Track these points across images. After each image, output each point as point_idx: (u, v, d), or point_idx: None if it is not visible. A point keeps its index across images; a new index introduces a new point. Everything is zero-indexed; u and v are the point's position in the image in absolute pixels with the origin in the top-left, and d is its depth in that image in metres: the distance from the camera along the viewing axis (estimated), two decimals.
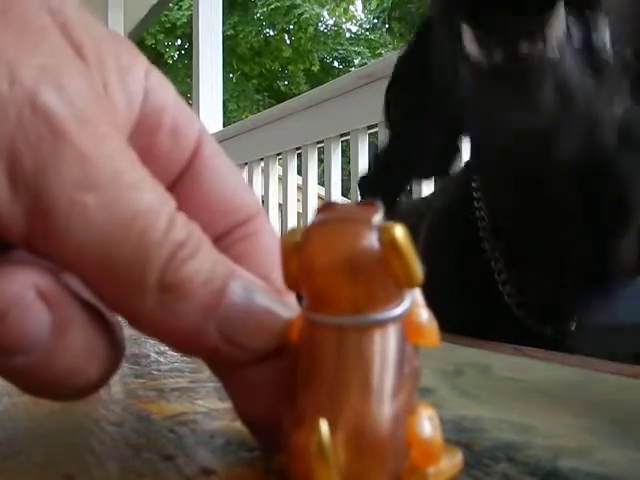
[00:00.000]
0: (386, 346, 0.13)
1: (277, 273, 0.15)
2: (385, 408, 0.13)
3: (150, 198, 0.13)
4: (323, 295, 0.14)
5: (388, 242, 0.13)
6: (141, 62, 0.16)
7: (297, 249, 0.14)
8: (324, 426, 0.13)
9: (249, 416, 0.16)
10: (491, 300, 0.53)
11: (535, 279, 0.51)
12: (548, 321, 0.51)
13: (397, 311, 0.14)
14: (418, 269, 0.13)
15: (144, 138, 0.16)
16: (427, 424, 0.14)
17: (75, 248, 0.13)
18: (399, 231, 0.13)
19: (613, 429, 0.20)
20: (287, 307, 0.15)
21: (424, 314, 0.14)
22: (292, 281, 0.14)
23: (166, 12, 10.06)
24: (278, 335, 0.15)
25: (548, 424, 0.20)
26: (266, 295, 0.15)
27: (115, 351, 0.15)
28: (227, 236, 0.18)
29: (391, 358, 0.13)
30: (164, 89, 0.17)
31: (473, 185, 0.56)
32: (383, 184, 0.64)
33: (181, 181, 0.18)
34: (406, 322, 0.14)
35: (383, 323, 0.14)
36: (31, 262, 0.13)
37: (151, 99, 0.16)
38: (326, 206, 0.14)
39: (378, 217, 0.14)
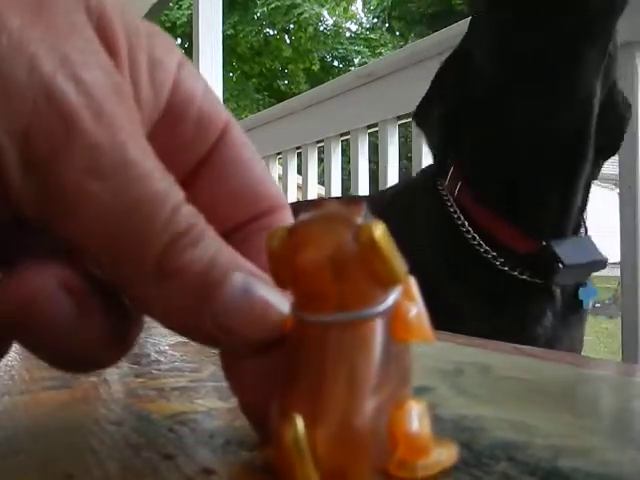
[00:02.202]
0: (369, 342, 0.14)
1: None
2: (366, 403, 0.13)
3: (156, 188, 0.14)
4: (307, 293, 0.14)
5: (366, 242, 0.13)
6: (174, 55, 0.17)
7: (282, 247, 0.14)
8: (299, 420, 0.13)
9: (248, 407, 0.17)
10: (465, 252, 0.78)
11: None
12: (531, 271, 0.76)
13: (380, 308, 0.14)
14: (399, 266, 0.13)
15: (168, 127, 0.17)
16: (414, 419, 0.14)
17: (80, 231, 0.14)
18: (378, 230, 0.13)
19: (614, 429, 0.20)
20: (288, 301, 0.15)
21: (413, 310, 0.14)
22: (279, 279, 0.15)
23: (166, 11, 10.06)
24: (274, 327, 0.15)
25: (548, 423, 0.20)
26: (266, 288, 0.15)
27: (131, 330, 0.16)
28: (246, 226, 0.18)
29: (374, 354, 0.14)
30: (194, 81, 0.18)
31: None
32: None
33: (203, 169, 0.18)
34: (393, 318, 0.14)
35: (366, 319, 0.14)
36: (57, 257, 0.15)
37: (180, 91, 0.17)
38: (313, 204, 0.14)
39: (361, 216, 0.14)
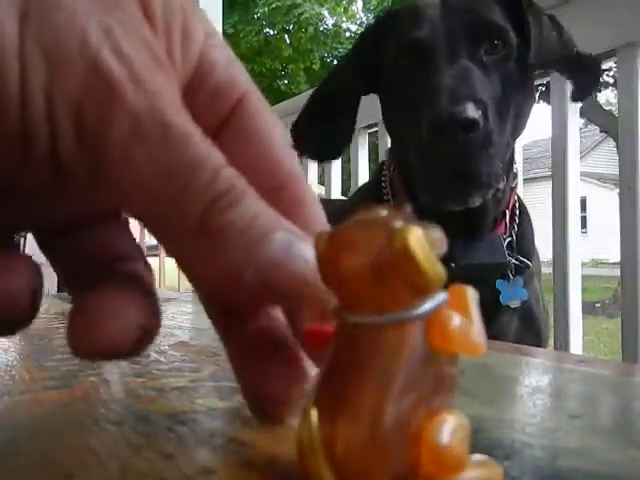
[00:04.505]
0: (401, 345, 0.13)
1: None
2: (392, 405, 0.13)
3: (196, 151, 0.15)
4: (348, 295, 0.14)
5: (398, 246, 0.13)
6: (203, 27, 0.18)
7: (326, 251, 0.14)
8: (314, 417, 0.13)
9: (263, 398, 0.18)
10: None
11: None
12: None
13: (415, 312, 0.14)
14: (432, 272, 0.13)
15: (189, 95, 0.17)
16: (445, 431, 0.13)
17: (127, 195, 0.15)
18: (412, 235, 0.13)
19: (614, 429, 0.20)
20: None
21: (456, 320, 0.14)
22: (326, 281, 0.14)
23: None
24: (313, 285, 0.15)
25: (548, 424, 0.20)
26: (306, 246, 0.15)
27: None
28: (264, 197, 0.18)
29: (405, 357, 0.13)
30: (218, 51, 0.18)
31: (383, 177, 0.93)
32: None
33: (218, 138, 0.18)
34: (430, 325, 0.14)
35: (401, 323, 0.13)
36: (137, 301, 0.17)
37: (205, 60, 0.18)
38: (360, 209, 0.14)
39: (402, 220, 0.14)
